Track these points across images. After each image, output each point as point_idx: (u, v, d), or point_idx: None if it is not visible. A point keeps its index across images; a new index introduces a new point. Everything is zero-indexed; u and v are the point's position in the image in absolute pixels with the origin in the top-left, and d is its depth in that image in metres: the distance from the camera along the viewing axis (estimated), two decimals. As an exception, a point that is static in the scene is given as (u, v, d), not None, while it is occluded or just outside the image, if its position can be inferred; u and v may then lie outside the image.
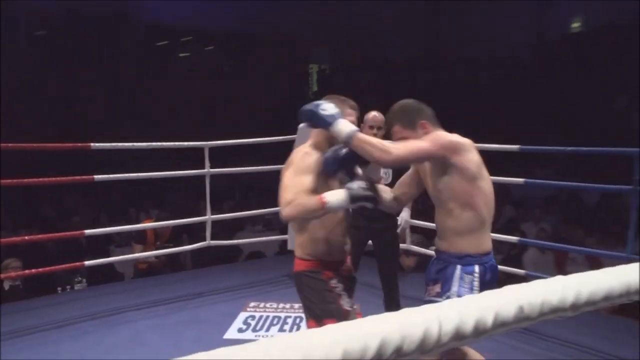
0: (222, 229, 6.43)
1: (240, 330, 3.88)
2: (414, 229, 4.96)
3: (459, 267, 2.21)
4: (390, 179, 3.74)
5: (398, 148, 2.13)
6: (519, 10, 14.20)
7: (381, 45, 15.46)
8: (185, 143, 4.82)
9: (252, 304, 4.38)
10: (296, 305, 4.27)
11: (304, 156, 2.29)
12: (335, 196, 2.13)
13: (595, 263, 5.65)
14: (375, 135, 3.64)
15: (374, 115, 3.74)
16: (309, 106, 2.15)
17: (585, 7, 13.85)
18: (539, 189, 8.09)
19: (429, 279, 2.34)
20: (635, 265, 0.67)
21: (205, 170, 4.80)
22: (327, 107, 2.14)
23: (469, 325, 0.51)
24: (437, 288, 2.26)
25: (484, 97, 12.47)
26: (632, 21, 11.84)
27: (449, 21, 15.56)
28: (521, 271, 4.58)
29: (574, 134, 9.26)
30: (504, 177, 4.29)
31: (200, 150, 4.79)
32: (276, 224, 7.64)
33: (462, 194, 2.17)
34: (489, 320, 0.52)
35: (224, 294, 4.66)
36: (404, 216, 3.94)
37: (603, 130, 9.04)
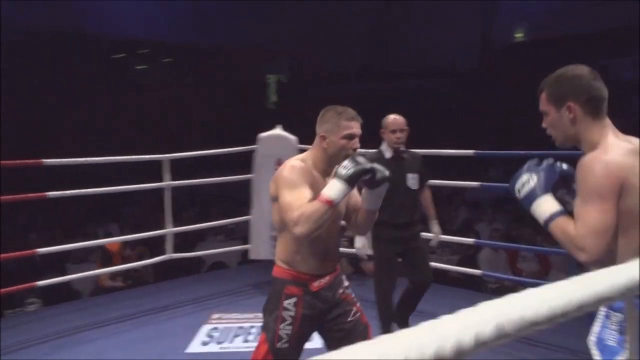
0: (183, 241, 6.34)
1: (204, 344, 3.82)
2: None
3: (602, 311, 1.72)
4: (417, 186, 3.59)
5: (591, 245, 1.57)
6: (465, 19, 14.61)
7: (335, 56, 15.59)
8: (144, 156, 4.73)
9: (215, 316, 4.31)
10: (260, 315, 4.22)
11: (292, 169, 2.17)
12: (332, 188, 2.01)
13: (543, 259, 5.87)
14: (398, 139, 3.48)
15: (393, 118, 3.51)
16: (510, 187, 1.79)
17: (527, 19, 14.44)
18: (490, 190, 8.31)
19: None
20: (602, 272, 0.69)
21: (165, 183, 4.72)
22: (522, 187, 1.74)
23: (448, 349, 0.50)
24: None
25: (434, 105, 12.76)
26: (569, 34, 12.46)
27: (398, 32, 15.86)
28: (477, 271, 4.70)
29: (515, 138, 9.61)
30: (459, 181, 4.44)
31: (158, 162, 4.73)
32: (238, 233, 7.57)
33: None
34: (469, 341, 0.52)
35: (187, 306, 4.58)
36: (436, 231, 3.84)
37: (541, 135, 9.38)
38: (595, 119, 1.66)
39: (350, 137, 2.20)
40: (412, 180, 3.54)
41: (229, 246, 6.45)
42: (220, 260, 6.64)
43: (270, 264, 5.51)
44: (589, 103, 1.66)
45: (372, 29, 16.80)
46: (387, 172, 2.15)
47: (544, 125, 1.78)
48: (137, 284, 5.73)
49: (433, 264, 5.03)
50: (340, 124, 2.19)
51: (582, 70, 1.71)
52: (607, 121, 1.69)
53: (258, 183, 5.01)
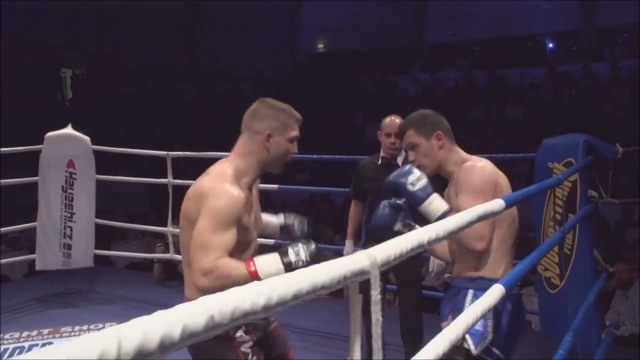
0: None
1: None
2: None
3: (470, 291, 1.95)
4: None
5: (488, 236, 1.91)
6: (273, 28, 15.10)
7: (142, 55, 14.98)
8: None
9: (-7, 336, 3.86)
10: (45, 331, 3.89)
11: (232, 201, 1.74)
12: (269, 269, 1.69)
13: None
14: (392, 144, 3.07)
15: (390, 120, 3.09)
16: (395, 178, 1.96)
17: (327, 31, 15.46)
18: (297, 192, 8.64)
19: (442, 317, 2.03)
20: (321, 265, 0.77)
21: None
22: (416, 181, 1.92)
23: (153, 341, 0.51)
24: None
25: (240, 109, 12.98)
26: (363, 48, 13.64)
27: (209, 36, 15.81)
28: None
29: (324, 146, 10.21)
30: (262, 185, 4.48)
31: None
32: (24, 242, 6.90)
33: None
34: (176, 333, 0.53)
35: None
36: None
37: (344, 141, 10.01)
38: (453, 144, 2.11)
39: (295, 140, 1.92)
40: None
41: (13, 257, 5.86)
42: (2, 273, 5.99)
43: (61, 273, 5.05)
44: (448, 132, 2.09)
45: (181, 29, 16.53)
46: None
47: (411, 158, 2.09)
48: None
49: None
50: (289, 124, 1.88)
51: (430, 111, 2.15)
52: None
53: (45, 187, 4.60)
